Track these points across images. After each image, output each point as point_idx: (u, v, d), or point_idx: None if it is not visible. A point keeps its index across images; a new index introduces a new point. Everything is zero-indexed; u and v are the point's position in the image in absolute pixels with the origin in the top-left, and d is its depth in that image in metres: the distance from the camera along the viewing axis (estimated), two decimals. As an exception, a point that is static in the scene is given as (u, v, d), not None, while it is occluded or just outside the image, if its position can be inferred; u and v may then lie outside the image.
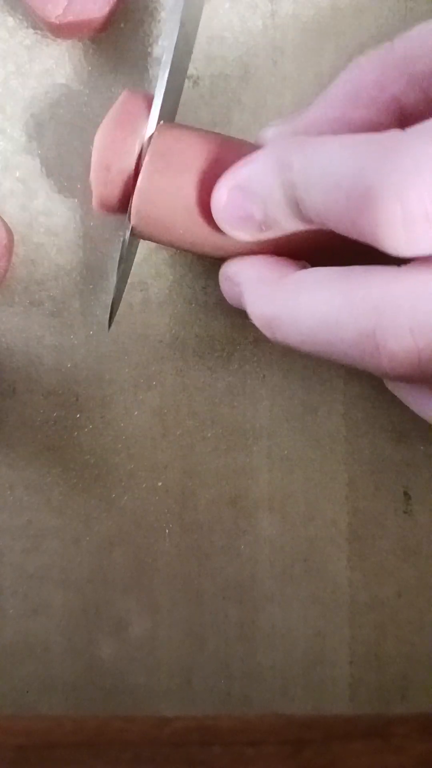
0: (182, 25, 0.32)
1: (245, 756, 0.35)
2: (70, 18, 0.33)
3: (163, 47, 0.32)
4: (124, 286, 0.35)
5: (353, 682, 0.38)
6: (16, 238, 0.36)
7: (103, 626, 0.37)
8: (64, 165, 0.36)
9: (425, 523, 0.37)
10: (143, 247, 0.36)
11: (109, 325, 0.35)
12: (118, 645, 0.37)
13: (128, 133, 0.32)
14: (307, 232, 0.30)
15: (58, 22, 0.33)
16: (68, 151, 0.36)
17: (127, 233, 0.33)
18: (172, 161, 0.31)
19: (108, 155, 0.32)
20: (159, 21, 0.36)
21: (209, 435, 0.37)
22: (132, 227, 0.32)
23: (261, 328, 0.31)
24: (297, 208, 0.29)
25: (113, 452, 0.37)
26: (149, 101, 0.32)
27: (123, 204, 0.32)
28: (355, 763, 0.35)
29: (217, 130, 0.35)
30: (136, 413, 0.37)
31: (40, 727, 0.36)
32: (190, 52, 0.33)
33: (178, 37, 0.32)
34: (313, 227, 0.30)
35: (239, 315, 0.37)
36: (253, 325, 0.37)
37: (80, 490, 0.37)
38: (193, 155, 0.31)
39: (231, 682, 0.38)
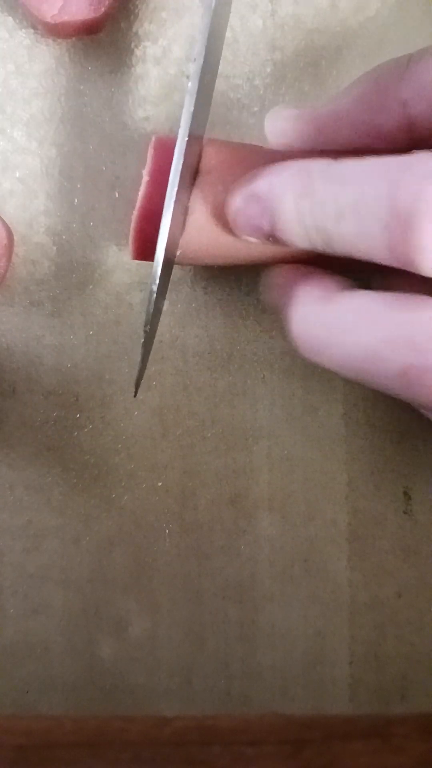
0: (207, 56, 0.31)
1: (245, 756, 0.35)
2: (66, 18, 0.33)
3: (189, 81, 0.31)
4: (150, 349, 0.33)
5: (353, 682, 0.38)
6: (16, 238, 0.36)
7: (103, 626, 0.37)
8: (64, 165, 0.36)
9: (425, 523, 0.37)
10: (143, 247, 0.36)
11: (136, 392, 0.34)
12: (118, 645, 0.37)
13: (161, 185, 0.31)
14: None
15: (53, 22, 0.33)
16: (68, 151, 0.36)
17: (154, 287, 0.32)
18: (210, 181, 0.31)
19: (146, 213, 0.31)
20: (159, 21, 0.36)
21: (209, 435, 0.37)
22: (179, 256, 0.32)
23: (301, 347, 0.30)
24: (313, 232, 0.29)
25: (113, 452, 0.37)
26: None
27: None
28: (355, 763, 0.35)
29: (216, 130, 0.36)
30: (136, 413, 0.37)
31: (40, 727, 0.36)
32: (215, 76, 0.33)
33: (202, 70, 0.31)
34: (331, 253, 0.29)
35: (239, 315, 0.37)
36: (253, 325, 0.37)
37: (80, 490, 0.37)
38: (225, 168, 0.31)
39: (231, 682, 0.38)
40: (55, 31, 0.34)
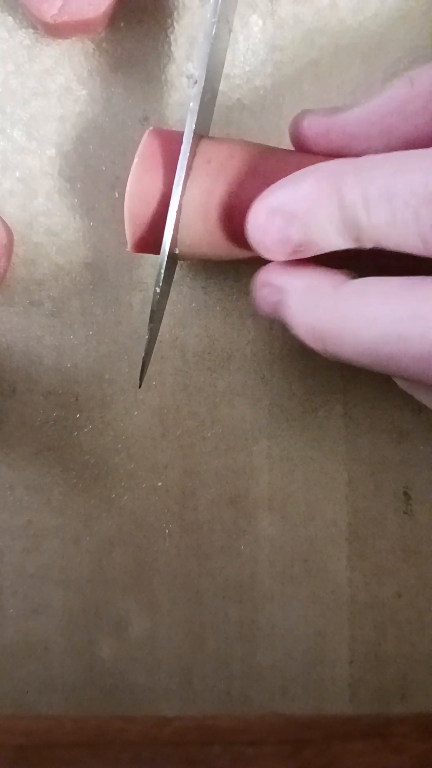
0: (212, 52, 0.31)
1: (245, 756, 0.35)
2: (66, 18, 0.33)
3: (195, 76, 0.31)
4: (155, 342, 0.33)
5: (353, 682, 0.38)
6: (16, 238, 0.36)
7: (103, 626, 0.37)
8: (64, 165, 0.36)
9: (425, 523, 0.37)
10: (143, 247, 0.36)
11: (140, 383, 0.34)
12: (118, 645, 0.37)
13: (157, 177, 0.31)
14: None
15: (53, 22, 0.33)
16: (68, 151, 0.36)
17: (161, 277, 0.31)
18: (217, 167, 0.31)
19: (140, 203, 0.31)
20: (159, 21, 0.36)
21: (209, 435, 0.37)
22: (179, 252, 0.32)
23: (308, 340, 0.29)
24: (348, 230, 0.28)
25: (113, 452, 0.37)
26: (174, 139, 0.32)
27: (157, 246, 0.32)
28: (355, 762, 0.35)
29: (216, 130, 0.36)
30: (136, 413, 0.37)
31: (40, 727, 0.36)
32: (220, 75, 0.33)
33: (208, 66, 0.31)
34: (352, 247, 0.29)
35: (239, 315, 0.37)
36: (253, 325, 0.37)
37: (80, 490, 0.37)
38: (235, 165, 0.31)
39: (231, 681, 0.38)
40: (55, 31, 0.34)
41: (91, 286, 0.37)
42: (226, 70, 0.36)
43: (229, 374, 0.37)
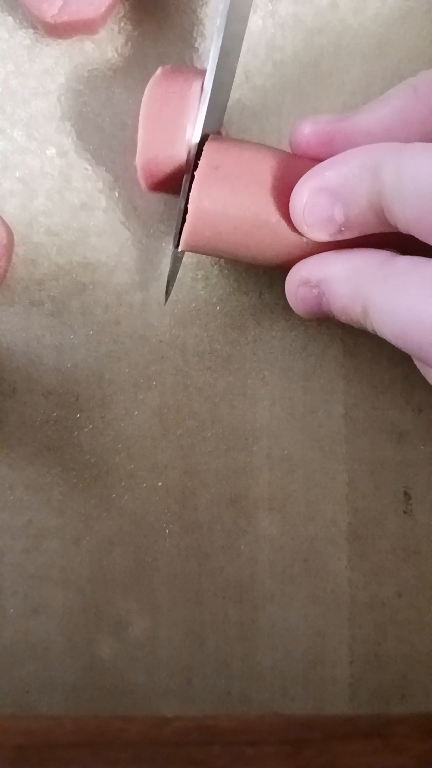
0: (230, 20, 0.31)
1: (245, 756, 0.35)
2: (66, 18, 0.33)
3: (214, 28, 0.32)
4: (181, 260, 0.34)
5: (353, 682, 0.38)
6: (16, 238, 0.36)
7: (103, 626, 0.37)
8: (64, 165, 0.36)
9: (425, 523, 0.37)
10: (142, 248, 0.36)
11: (166, 299, 0.35)
12: (118, 645, 0.37)
13: (175, 118, 0.31)
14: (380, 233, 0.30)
15: (53, 22, 0.33)
16: (68, 151, 0.36)
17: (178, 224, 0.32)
18: (225, 174, 0.31)
19: (155, 145, 0.32)
20: (159, 21, 0.36)
21: (209, 435, 0.37)
22: (183, 243, 0.32)
23: (352, 317, 0.29)
24: (382, 215, 0.28)
25: (113, 452, 0.37)
26: (195, 75, 0.32)
27: (170, 186, 0.32)
28: (355, 763, 0.35)
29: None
30: (136, 413, 0.37)
31: (40, 727, 0.36)
32: (239, 45, 0.33)
33: (227, 26, 0.31)
34: (392, 231, 0.29)
35: (239, 315, 0.37)
36: (253, 325, 0.37)
37: (80, 490, 0.37)
38: (246, 167, 0.31)
39: (231, 681, 0.38)
40: (55, 31, 0.34)
41: (91, 286, 0.37)
42: (226, 70, 0.36)
43: (229, 374, 0.37)
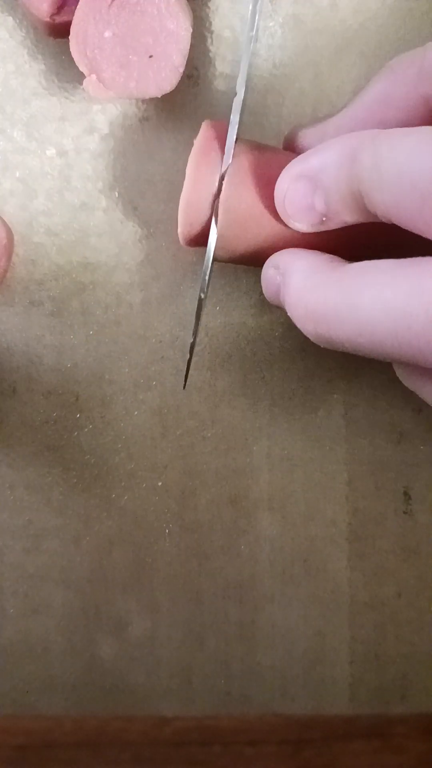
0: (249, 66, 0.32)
1: (245, 756, 0.35)
2: (66, 18, 0.33)
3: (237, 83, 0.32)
4: (196, 339, 0.34)
5: (353, 682, 0.38)
6: (16, 238, 0.36)
7: (103, 626, 0.37)
8: (64, 165, 0.36)
9: (425, 523, 0.37)
10: (142, 248, 0.36)
11: (185, 385, 0.36)
12: (118, 645, 0.37)
13: (211, 169, 0.31)
14: (366, 224, 0.30)
15: (53, 22, 0.33)
16: (68, 151, 0.36)
17: (206, 277, 0.32)
18: (250, 180, 0.31)
19: (194, 194, 0.32)
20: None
21: (209, 435, 0.37)
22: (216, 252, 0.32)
23: (301, 321, 0.29)
24: (361, 202, 0.28)
25: (113, 452, 0.37)
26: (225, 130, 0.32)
27: (205, 239, 0.32)
28: (355, 763, 0.35)
29: (217, 130, 0.36)
30: (136, 413, 0.37)
31: (40, 727, 0.36)
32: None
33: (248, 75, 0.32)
34: (373, 220, 0.29)
35: (239, 315, 0.37)
36: (253, 325, 0.37)
37: (80, 490, 0.37)
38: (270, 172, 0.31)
39: (231, 682, 0.38)
40: (55, 31, 0.34)
41: (91, 286, 0.37)
42: (226, 70, 0.36)
43: (229, 374, 0.37)
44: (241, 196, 0.31)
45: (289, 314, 0.30)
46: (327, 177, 0.29)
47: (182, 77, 0.36)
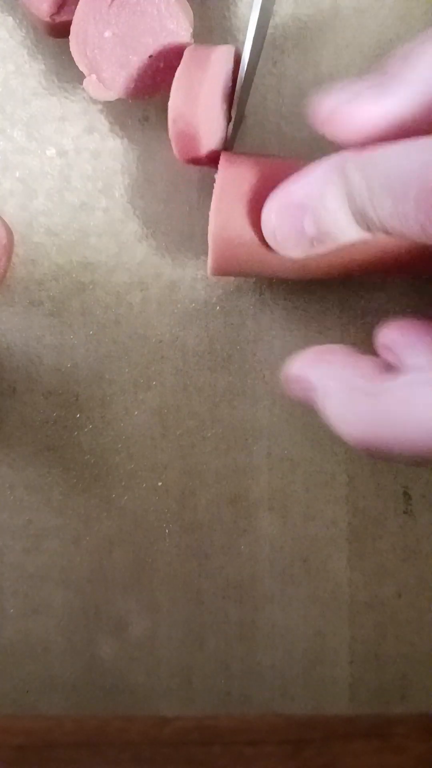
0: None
1: (245, 756, 0.35)
2: (66, 18, 0.33)
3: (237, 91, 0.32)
4: (245, 106, 0.33)
5: (353, 682, 0.38)
6: (16, 238, 0.36)
7: (103, 626, 0.37)
8: (64, 165, 0.36)
9: (425, 523, 0.37)
10: (142, 248, 0.36)
11: (231, 146, 0.33)
12: (118, 645, 0.37)
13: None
14: (362, 244, 0.30)
15: (53, 22, 0.33)
16: (68, 151, 0.36)
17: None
18: (238, 193, 0.31)
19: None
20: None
21: (209, 435, 0.37)
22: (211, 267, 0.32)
23: (348, 438, 0.29)
24: (357, 219, 0.28)
25: (113, 452, 0.37)
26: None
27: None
28: (355, 763, 0.35)
29: (217, 130, 0.35)
30: (136, 413, 0.37)
31: (40, 727, 0.36)
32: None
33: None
34: (370, 236, 0.29)
35: (239, 315, 0.37)
36: (253, 325, 0.37)
37: (80, 490, 0.37)
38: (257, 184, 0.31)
39: (231, 681, 0.38)
40: (55, 30, 0.34)
41: (91, 286, 0.37)
42: (226, 70, 0.36)
43: (229, 374, 0.37)
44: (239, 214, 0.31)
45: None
46: (314, 199, 0.29)
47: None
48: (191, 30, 0.33)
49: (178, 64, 0.33)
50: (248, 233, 0.31)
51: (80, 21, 0.33)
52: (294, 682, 0.38)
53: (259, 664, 0.38)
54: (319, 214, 0.29)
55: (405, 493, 0.37)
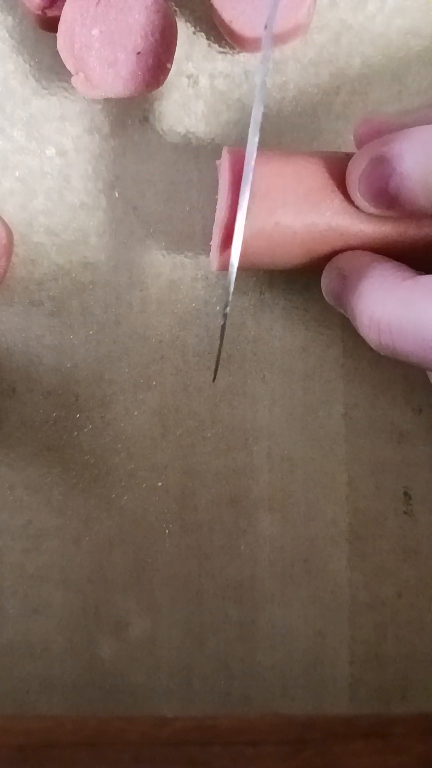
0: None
1: (245, 756, 0.35)
2: (57, 12, 0.33)
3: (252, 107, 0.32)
4: (223, 340, 0.34)
5: (353, 682, 0.38)
6: (16, 238, 0.36)
7: (103, 626, 0.37)
8: (64, 165, 0.36)
9: (425, 523, 0.37)
10: (142, 248, 0.36)
11: (214, 378, 0.36)
12: (118, 645, 0.37)
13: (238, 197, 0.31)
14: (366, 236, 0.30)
15: (44, 16, 0.33)
16: (68, 150, 0.36)
17: (231, 285, 0.32)
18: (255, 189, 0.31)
19: (229, 225, 0.32)
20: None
21: (209, 435, 0.37)
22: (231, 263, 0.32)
23: (365, 329, 0.29)
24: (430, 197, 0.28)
25: (113, 452, 0.37)
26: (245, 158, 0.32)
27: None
28: (355, 763, 0.35)
29: (215, 130, 0.36)
30: (136, 413, 0.37)
31: (40, 727, 0.36)
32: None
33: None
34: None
35: (239, 315, 0.37)
36: (253, 325, 0.37)
37: (80, 490, 0.37)
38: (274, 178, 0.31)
39: (231, 682, 0.38)
40: (49, 25, 0.34)
41: (91, 286, 0.37)
42: (225, 69, 0.36)
43: (229, 374, 0.37)
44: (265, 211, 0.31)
45: (351, 321, 0.30)
46: (406, 163, 0.29)
47: (182, 77, 0.36)
48: (177, 26, 0.33)
49: (167, 60, 0.33)
50: (268, 225, 0.31)
51: (67, 19, 0.33)
52: (294, 682, 0.38)
53: (259, 664, 0.38)
54: (404, 180, 0.29)
55: (405, 493, 0.37)
